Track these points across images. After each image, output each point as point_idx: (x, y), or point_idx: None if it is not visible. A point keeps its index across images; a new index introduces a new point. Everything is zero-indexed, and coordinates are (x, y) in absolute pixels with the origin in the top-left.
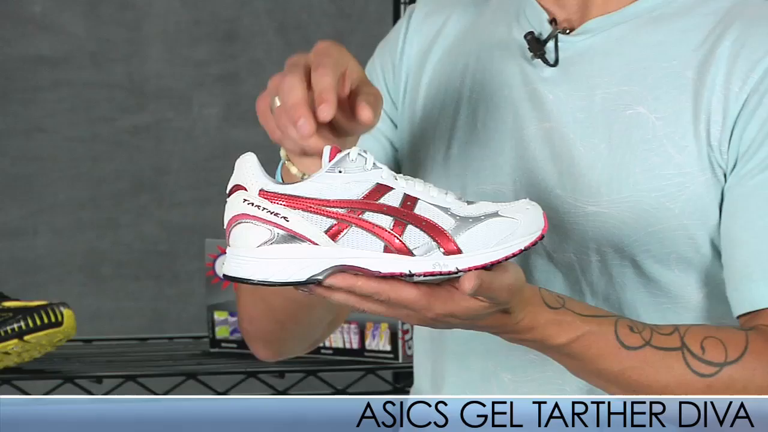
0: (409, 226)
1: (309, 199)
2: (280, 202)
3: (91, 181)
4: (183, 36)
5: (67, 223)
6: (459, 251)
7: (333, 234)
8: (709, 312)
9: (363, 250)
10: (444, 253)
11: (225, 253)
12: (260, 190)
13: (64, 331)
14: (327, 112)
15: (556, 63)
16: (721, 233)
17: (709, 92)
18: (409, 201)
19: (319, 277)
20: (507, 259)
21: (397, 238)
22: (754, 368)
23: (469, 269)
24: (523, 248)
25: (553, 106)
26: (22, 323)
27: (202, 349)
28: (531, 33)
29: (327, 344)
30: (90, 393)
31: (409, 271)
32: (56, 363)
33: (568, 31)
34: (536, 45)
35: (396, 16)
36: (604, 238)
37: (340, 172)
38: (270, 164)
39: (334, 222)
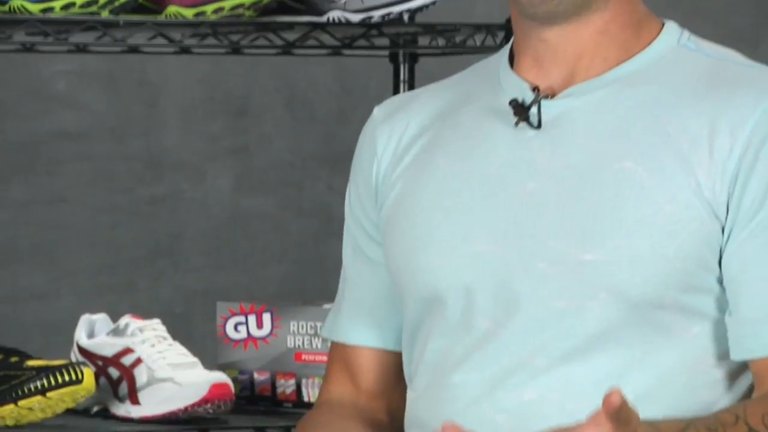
0: (124, 382)
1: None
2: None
3: (111, 247)
4: (198, 112)
5: (87, 287)
6: (139, 403)
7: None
8: (700, 350)
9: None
10: (130, 404)
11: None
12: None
13: (84, 388)
14: None
15: (539, 125)
16: (730, 282)
17: (696, 147)
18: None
19: None
20: (171, 413)
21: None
22: None
23: (142, 418)
24: (183, 407)
25: (539, 166)
26: (45, 381)
27: None
28: (515, 100)
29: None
30: None
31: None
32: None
33: (549, 97)
34: (521, 110)
35: (396, 93)
36: (600, 284)
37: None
38: (280, 231)
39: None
